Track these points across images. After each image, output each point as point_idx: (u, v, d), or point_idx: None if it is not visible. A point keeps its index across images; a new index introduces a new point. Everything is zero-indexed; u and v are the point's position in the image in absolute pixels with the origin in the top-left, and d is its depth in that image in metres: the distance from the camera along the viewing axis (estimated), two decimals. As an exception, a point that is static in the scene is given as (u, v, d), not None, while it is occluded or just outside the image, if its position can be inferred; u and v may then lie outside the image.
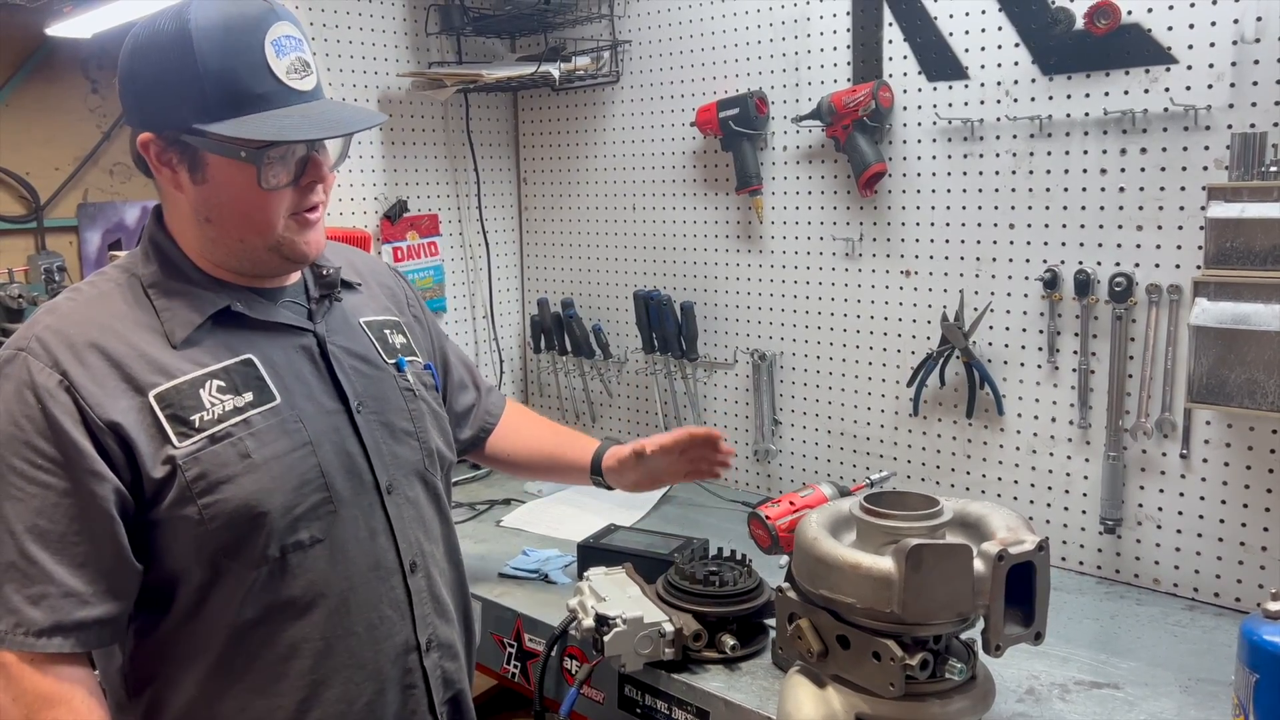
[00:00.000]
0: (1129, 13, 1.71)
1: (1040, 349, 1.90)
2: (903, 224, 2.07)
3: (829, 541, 1.26)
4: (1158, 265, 1.75)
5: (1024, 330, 1.92)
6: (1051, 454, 1.92)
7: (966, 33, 1.92)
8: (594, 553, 1.81)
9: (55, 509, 1.10)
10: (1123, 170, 1.77)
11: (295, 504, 1.20)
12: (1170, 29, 1.69)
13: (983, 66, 1.91)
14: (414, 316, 1.54)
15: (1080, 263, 1.83)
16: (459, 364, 1.70)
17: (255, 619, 1.20)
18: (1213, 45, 1.65)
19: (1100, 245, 1.81)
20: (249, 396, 1.20)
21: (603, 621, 1.50)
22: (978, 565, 1.18)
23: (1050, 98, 1.83)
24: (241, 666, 1.21)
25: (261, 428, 1.20)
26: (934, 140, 1.99)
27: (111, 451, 1.12)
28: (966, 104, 1.94)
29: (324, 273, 1.36)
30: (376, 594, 1.28)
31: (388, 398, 1.36)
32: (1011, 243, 1.92)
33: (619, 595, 1.58)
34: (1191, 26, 1.66)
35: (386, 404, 1.35)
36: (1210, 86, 1.66)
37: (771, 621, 1.59)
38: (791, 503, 1.53)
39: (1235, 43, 1.62)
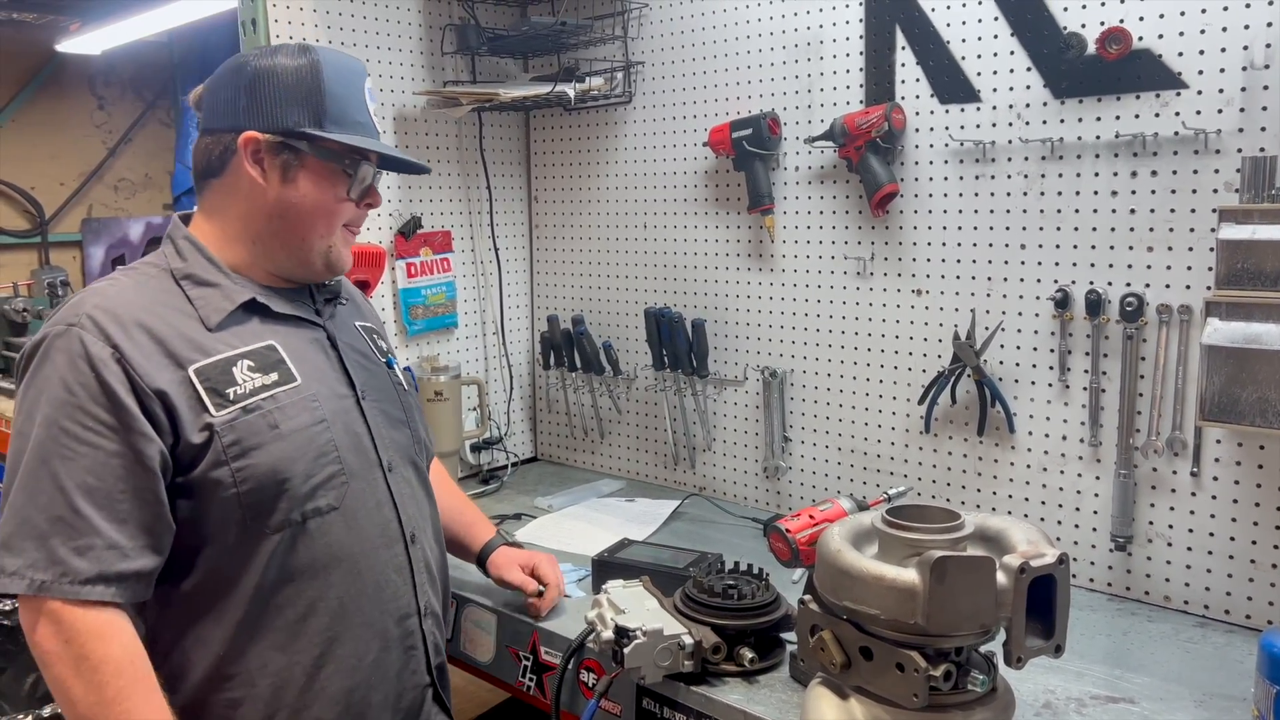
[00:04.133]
0: (1140, 39, 1.75)
1: (1051, 368, 1.92)
2: (914, 244, 2.09)
3: (852, 554, 1.27)
4: (1168, 286, 1.78)
5: (1035, 349, 1.95)
6: (1062, 472, 1.94)
7: (979, 56, 1.95)
8: (609, 567, 1.82)
9: (104, 468, 1.23)
10: (1133, 192, 1.80)
11: (313, 472, 1.36)
12: (1181, 55, 1.72)
13: (994, 90, 1.94)
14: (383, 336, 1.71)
15: (1091, 283, 1.86)
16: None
17: (278, 581, 1.34)
18: (1222, 71, 1.68)
19: (1111, 266, 1.84)
20: (274, 376, 1.37)
21: (623, 633, 1.51)
22: (1000, 578, 1.20)
23: (1062, 121, 1.86)
24: (264, 626, 1.34)
25: (286, 404, 1.36)
26: (946, 161, 2.02)
27: (157, 417, 1.27)
28: (979, 126, 1.97)
29: (325, 283, 1.54)
30: (383, 559, 1.44)
31: (385, 389, 1.55)
32: (1023, 263, 1.95)
33: (637, 608, 1.59)
34: (1202, 53, 1.70)
35: (384, 394, 1.54)
36: (1220, 111, 1.69)
37: (789, 635, 1.60)
38: (811, 516, 1.54)
39: (1245, 69, 1.66)
